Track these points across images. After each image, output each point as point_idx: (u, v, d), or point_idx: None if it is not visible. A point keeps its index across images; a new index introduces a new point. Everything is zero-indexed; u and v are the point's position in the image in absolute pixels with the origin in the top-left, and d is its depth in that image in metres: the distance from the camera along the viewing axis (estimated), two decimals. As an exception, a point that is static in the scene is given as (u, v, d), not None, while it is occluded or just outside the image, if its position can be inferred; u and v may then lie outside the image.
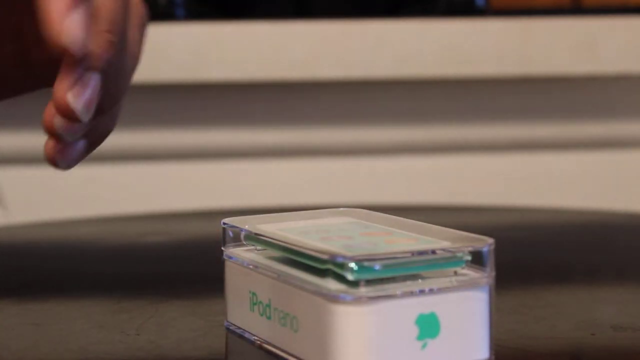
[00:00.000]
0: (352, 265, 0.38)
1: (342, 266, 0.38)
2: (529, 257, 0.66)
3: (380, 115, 1.19)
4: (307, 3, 1.25)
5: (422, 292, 0.39)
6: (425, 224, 0.44)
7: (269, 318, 0.42)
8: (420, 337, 0.39)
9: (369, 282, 0.38)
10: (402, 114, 1.19)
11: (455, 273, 0.40)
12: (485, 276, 0.40)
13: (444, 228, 0.43)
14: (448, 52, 1.15)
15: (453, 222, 0.79)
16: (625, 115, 1.23)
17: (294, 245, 0.41)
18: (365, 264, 0.38)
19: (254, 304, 0.43)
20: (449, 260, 0.40)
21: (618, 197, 1.22)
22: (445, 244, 0.40)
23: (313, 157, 1.19)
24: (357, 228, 0.45)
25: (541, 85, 1.21)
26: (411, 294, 0.38)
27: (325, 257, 0.39)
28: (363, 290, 0.38)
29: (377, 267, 0.38)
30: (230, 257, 0.45)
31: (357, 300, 0.38)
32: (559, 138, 1.23)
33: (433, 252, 0.39)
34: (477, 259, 0.40)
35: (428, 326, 0.39)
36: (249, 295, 0.44)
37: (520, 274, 0.60)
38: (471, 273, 0.40)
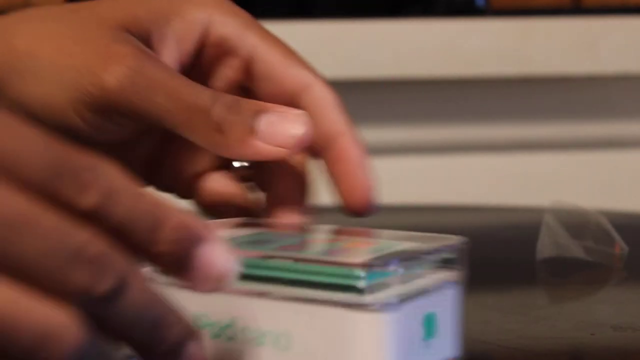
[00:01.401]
0: (360, 272, 0.37)
1: (349, 275, 0.37)
2: (529, 257, 0.66)
3: (380, 115, 1.19)
4: (307, 3, 1.25)
5: (423, 292, 0.39)
6: (368, 229, 0.43)
7: (228, 340, 0.39)
8: (426, 337, 0.39)
9: (376, 288, 0.37)
10: (402, 114, 1.19)
11: (433, 272, 0.40)
12: (458, 275, 0.40)
13: (395, 231, 0.43)
14: (448, 52, 1.15)
15: (453, 222, 0.79)
16: (625, 115, 1.23)
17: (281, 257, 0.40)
18: (375, 269, 0.37)
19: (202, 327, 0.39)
20: (432, 259, 0.40)
21: (618, 197, 1.22)
22: (412, 244, 0.40)
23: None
24: (301, 236, 0.44)
25: (541, 85, 1.21)
26: (416, 295, 0.38)
27: (331, 266, 0.38)
28: (379, 296, 0.37)
29: (388, 271, 0.37)
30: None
31: (375, 308, 0.37)
32: (559, 138, 1.23)
33: (427, 252, 0.39)
34: (451, 258, 0.40)
35: (429, 326, 0.39)
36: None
37: (520, 273, 0.60)
38: (446, 272, 0.40)
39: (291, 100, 0.47)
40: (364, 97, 1.19)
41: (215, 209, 0.48)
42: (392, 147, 1.19)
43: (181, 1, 0.47)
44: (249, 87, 0.48)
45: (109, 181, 0.30)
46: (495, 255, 0.61)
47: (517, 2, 1.27)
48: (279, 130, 0.43)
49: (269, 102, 0.46)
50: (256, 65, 0.47)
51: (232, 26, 0.47)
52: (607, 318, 0.49)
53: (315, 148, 0.47)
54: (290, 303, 0.38)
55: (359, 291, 0.36)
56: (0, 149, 0.28)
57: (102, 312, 0.29)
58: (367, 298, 0.36)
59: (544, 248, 0.63)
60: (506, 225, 0.80)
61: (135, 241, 0.30)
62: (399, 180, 1.20)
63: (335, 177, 0.47)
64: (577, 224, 0.65)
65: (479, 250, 0.65)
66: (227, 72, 0.48)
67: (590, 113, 1.23)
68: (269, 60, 0.47)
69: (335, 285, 0.37)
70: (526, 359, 0.43)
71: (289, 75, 0.48)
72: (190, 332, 0.32)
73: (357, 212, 0.46)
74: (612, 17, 1.19)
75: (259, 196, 0.49)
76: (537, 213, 0.68)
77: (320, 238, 0.43)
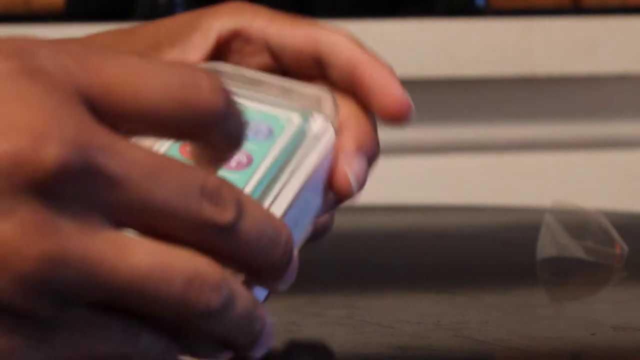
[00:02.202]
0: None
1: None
2: (529, 257, 0.66)
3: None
4: (307, 3, 1.25)
5: None
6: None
7: None
8: None
9: None
10: (402, 114, 1.19)
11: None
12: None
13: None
14: (448, 52, 1.15)
15: (453, 222, 0.79)
16: (625, 115, 1.23)
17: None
18: None
19: None
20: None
21: (618, 197, 1.22)
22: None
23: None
24: None
25: (541, 85, 1.21)
26: None
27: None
28: None
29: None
30: None
31: None
32: (559, 138, 1.23)
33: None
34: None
35: None
36: None
37: (520, 273, 0.60)
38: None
39: (314, 61, 0.47)
40: (364, 97, 1.19)
41: None
42: (392, 147, 1.19)
43: (199, 17, 0.48)
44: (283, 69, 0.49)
45: None
46: (495, 255, 0.61)
47: (517, 2, 1.27)
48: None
49: (297, 72, 0.47)
50: (272, 45, 0.48)
51: (241, 19, 0.48)
52: (607, 318, 0.49)
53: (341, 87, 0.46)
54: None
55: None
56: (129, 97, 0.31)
57: (229, 243, 0.32)
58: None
59: (544, 248, 0.63)
60: (506, 225, 0.79)
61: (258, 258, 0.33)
62: (399, 180, 1.20)
63: (365, 94, 0.46)
64: (577, 224, 0.65)
65: (479, 250, 0.65)
66: (254, 61, 0.49)
67: (590, 113, 1.23)
68: (279, 34, 0.48)
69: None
70: (526, 359, 0.43)
71: (297, 38, 0.48)
72: (291, 238, 0.34)
73: (395, 120, 0.45)
74: (612, 17, 1.19)
75: None
76: (537, 213, 0.68)
77: None
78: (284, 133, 0.42)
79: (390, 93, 0.45)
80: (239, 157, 0.40)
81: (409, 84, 1.34)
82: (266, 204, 0.39)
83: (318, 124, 0.42)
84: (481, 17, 1.20)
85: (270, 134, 0.42)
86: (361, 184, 0.43)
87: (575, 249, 0.64)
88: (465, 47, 1.16)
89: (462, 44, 1.16)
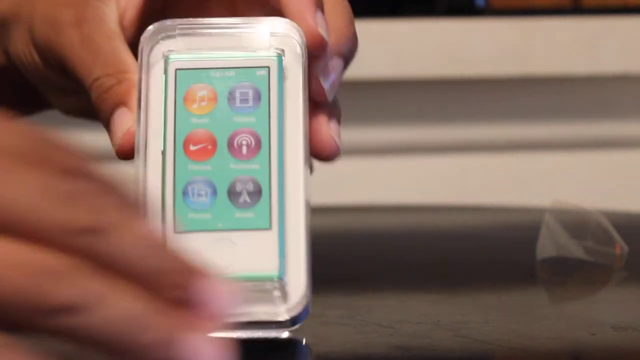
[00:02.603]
0: None
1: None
2: (529, 257, 0.66)
3: (380, 115, 1.19)
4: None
5: None
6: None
7: None
8: None
9: None
10: (402, 114, 1.19)
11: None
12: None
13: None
14: (448, 52, 1.15)
15: (453, 222, 0.79)
16: (625, 115, 1.23)
17: None
18: None
19: None
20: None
21: (618, 197, 1.22)
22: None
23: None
24: None
25: (541, 85, 1.21)
26: None
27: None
28: None
29: None
30: None
31: None
32: (559, 138, 1.23)
33: None
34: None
35: None
36: None
37: (520, 273, 0.60)
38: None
39: None
40: (364, 97, 1.19)
41: None
42: (393, 147, 1.19)
43: None
44: None
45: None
46: (495, 255, 0.61)
47: (517, 2, 1.27)
48: None
49: None
50: None
51: None
52: (607, 318, 0.49)
53: None
54: None
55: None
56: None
57: (92, 249, 0.29)
58: None
59: (544, 248, 0.63)
60: (506, 225, 0.80)
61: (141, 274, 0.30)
62: (399, 180, 1.20)
63: None
64: (577, 224, 0.65)
65: (479, 250, 0.65)
66: None
67: (590, 113, 1.23)
68: None
69: None
70: (526, 359, 0.43)
71: None
72: (198, 271, 0.30)
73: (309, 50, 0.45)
74: (612, 17, 1.19)
75: None
76: (537, 213, 0.68)
77: None
78: (270, 88, 0.41)
79: (302, 24, 0.44)
80: (245, 140, 0.40)
81: (409, 84, 1.34)
82: (292, 165, 0.39)
83: (292, 54, 0.42)
84: (481, 17, 1.20)
85: (259, 97, 0.42)
86: (334, 85, 0.45)
87: (575, 249, 0.64)
88: (465, 47, 1.16)
89: (462, 44, 1.16)
